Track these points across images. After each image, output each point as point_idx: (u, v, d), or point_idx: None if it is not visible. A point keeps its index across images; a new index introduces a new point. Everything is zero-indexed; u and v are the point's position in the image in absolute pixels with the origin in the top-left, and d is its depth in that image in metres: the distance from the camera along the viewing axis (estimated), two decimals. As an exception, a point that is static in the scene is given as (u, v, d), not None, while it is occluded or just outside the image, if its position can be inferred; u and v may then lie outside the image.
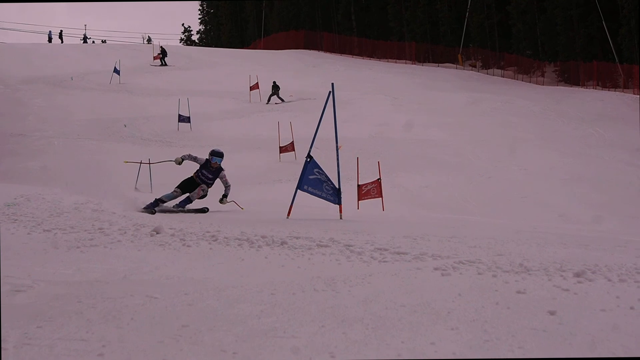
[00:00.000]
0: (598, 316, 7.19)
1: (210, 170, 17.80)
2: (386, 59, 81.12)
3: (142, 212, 15.82)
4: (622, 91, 62.52)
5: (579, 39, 69.51)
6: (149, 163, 24.02)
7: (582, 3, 68.71)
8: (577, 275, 8.92)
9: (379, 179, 23.93)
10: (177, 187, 17.65)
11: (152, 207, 16.45)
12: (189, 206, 17.37)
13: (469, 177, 33.09)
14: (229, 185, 17.86)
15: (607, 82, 65.83)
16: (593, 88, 65.19)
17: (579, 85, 66.72)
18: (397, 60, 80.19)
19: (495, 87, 64.19)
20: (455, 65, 76.35)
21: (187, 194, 17.51)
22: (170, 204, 17.26)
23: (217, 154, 17.99)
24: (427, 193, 29.59)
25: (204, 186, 17.63)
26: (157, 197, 17.23)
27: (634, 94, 60.76)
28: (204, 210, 17.08)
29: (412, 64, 78.79)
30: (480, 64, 76.68)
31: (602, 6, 66.88)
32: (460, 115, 48.34)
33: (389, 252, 10.54)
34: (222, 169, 17.89)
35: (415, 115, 47.23)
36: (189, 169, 18.20)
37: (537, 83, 69.49)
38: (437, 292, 8.09)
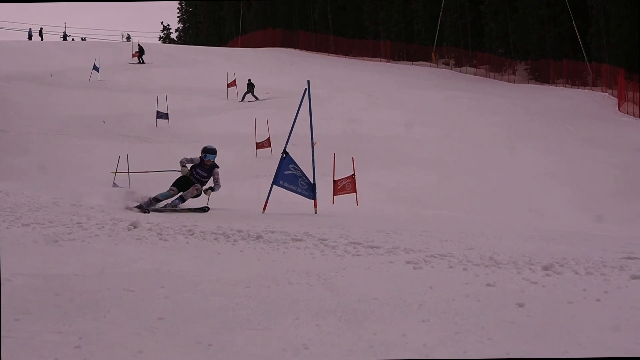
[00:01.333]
0: (565, 308, 7.23)
1: (204, 168, 17.13)
2: (362, 57, 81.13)
3: (135, 210, 15.35)
4: (591, 89, 62.85)
5: (550, 38, 69.76)
6: (140, 172, 23.53)
7: (553, 3, 68.95)
8: (546, 268, 8.96)
9: (353, 174, 23.97)
10: (173, 185, 17.00)
11: (147, 206, 15.90)
12: (184, 205, 16.76)
13: (442, 173, 33.19)
14: (220, 186, 17.16)
15: (576, 80, 66.13)
16: (563, 86, 65.46)
17: (549, 83, 66.97)
18: (373, 59, 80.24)
19: (468, 85, 64.39)
20: (429, 64, 76.46)
21: (181, 193, 16.88)
22: (163, 203, 16.65)
23: (210, 151, 17.29)
24: (401, 188, 29.64)
25: (197, 185, 17.00)
26: (152, 196, 16.55)
27: (602, 92, 61.08)
28: (204, 210, 16.37)
29: (387, 62, 78.88)
30: (454, 62, 76.81)
31: (572, 6, 67.14)
32: (434, 113, 48.44)
33: (363, 246, 10.55)
34: (215, 166, 17.22)
35: (390, 113, 47.31)
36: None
37: (508, 81, 69.72)
38: (409, 285, 8.11)
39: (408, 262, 9.35)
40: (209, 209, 16.30)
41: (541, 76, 68.96)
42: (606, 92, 60.70)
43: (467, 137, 41.72)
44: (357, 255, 10.04)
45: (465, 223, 16.43)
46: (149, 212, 15.42)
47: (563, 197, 30.18)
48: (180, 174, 17.08)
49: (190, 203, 16.77)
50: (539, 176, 33.81)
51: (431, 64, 76.38)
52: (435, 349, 5.85)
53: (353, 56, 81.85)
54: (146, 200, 16.22)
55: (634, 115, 53.21)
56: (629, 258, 9.87)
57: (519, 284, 8.17)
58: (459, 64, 76.05)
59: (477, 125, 45.02)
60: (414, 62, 77.49)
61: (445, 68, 75.42)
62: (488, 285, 8.08)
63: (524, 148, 39.40)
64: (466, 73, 73.47)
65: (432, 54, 77.19)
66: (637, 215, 27.25)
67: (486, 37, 75.12)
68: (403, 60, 79.23)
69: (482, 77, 71.54)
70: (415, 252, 10.15)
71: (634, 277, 8.61)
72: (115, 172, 19.40)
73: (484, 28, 75.32)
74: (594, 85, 63.94)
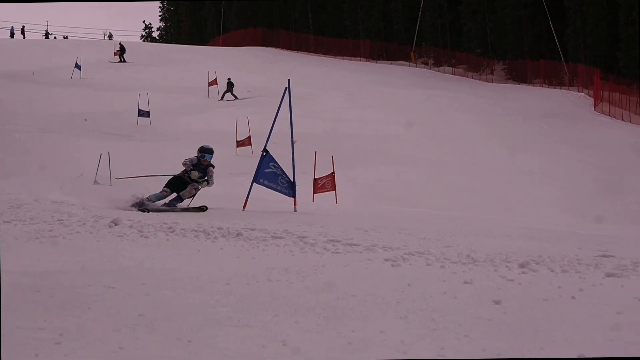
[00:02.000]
0: (541, 306, 7.26)
1: (200, 168, 16.83)
2: (341, 56, 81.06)
3: (132, 210, 15.13)
4: (568, 89, 63.08)
5: (527, 39, 69.96)
6: (146, 176, 23.02)
7: (531, 4, 69.13)
8: (522, 266, 8.99)
9: (333, 172, 23.98)
10: (166, 186, 16.70)
11: (140, 207, 15.62)
12: (182, 205, 16.54)
13: (421, 171, 33.24)
14: (212, 184, 16.96)
15: (553, 80, 66.36)
16: (540, 86, 65.66)
17: (527, 83, 67.12)
18: (352, 58, 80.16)
19: (447, 84, 64.44)
20: (408, 63, 76.47)
21: (176, 194, 16.62)
22: (159, 203, 16.35)
23: (207, 151, 16.96)
24: (380, 187, 29.67)
25: (196, 185, 16.74)
26: (145, 197, 16.21)
27: (578, 91, 61.31)
28: (202, 209, 16.12)
29: (367, 61, 78.85)
30: (432, 62, 76.88)
31: (549, 7, 67.35)
32: (413, 111, 48.46)
33: (341, 244, 10.56)
34: (211, 165, 16.94)
35: (369, 112, 47.33)
36: (176, 167, 17.57)
37: (486, 81, 69.82)
38: (387, 282, 8.13)
39: (386, 260, 9.37)
40: (207, 208, 16.11)
41: (518, 76, 69.12)
42: (582, 92, 60.94)
43: (446, 136, 41.79)
44: (336, 252, 10.05)
45: (443, 221, 16.46)
46: (148, 212, 15.25)
47: (540, 196, 30.30)
48: (171, 175, 16.91)
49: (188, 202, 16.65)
50: (516, 174, 33.92)
51: (410, 63, 76.38)
52: (413, 346, 5.86)
53: (333, 55, 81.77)
54: (138, 200, 15.95)
55: (609, 115, 53.51)
56: (604, 256, 9.91)
57: (496, 282, 8.20)
58: (437, 64, 76.11)
59: (456, 124, 45.09)
60: (393, 62, 77.47)
61: (424, 67, 75.43)
62: (465, 282, 8.10)
63: (502, 147, 39.51)
64: (445, 72, 73.54)
65: (411, 53, 77.23)
66: (612, 213, 27.39)
67: (465, 37, 75.21)
68: (382, 59, 79.21)
69: (460, 77, 71.61)
70: (393, 249, 10.16)
71: (609, 275, 8.66)
72: (119, 178, 18.88)
73: (463, 28, 75.38)
74: (570, 85, 64.18)
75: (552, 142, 41.60)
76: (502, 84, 67.64)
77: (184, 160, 16.91)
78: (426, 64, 76.52)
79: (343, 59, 79.92)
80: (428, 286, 7.89)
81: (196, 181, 16.70)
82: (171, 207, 16.26)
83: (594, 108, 55.91)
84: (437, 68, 75.18)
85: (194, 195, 16.72)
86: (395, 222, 14.71)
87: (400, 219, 16.58)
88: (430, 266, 9.07)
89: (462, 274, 8.53)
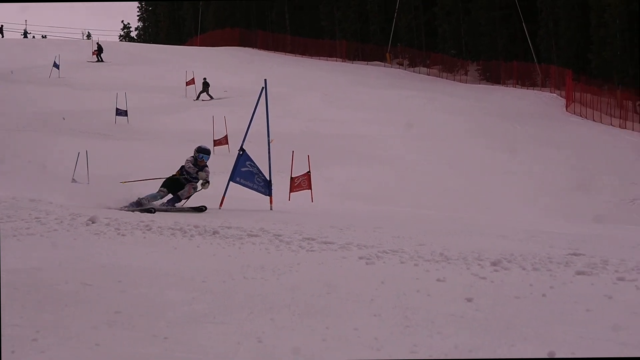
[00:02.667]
0: (512, 303, 7.29)
1: (197, 167, 16.51)
2: (318, 56, 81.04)
3: (132, 210, 14.92)
4: (540, 90, 63.27)
5: (501, 40, 70.18)
6: (149, 179, 22.46)
7: (504, 5, 69.36)
8: (494, 264, 9.03)
9: (309, 171, 24.00)
10: (162, 186, 16.42)
11: (136, 207, 15.42)
12: (180, 204, 16.29)
13: (397, 171, 33.32)
14: (208, 182, 16.55)
15: (526, 81, 66.55)
16: (513, 86, 65.81)
17: (500, 83, 67.28)
18: (329, 58, 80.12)
19: (422, 85, 64.51)
20: (383, 64, 76.50)
21: (172, 194, 16.32)
22: (156, 203, 16.04)
23: (204, 151, 16.69)
24: (355, 185, 29.73)
25: (194, 184, 16.46)
26: (141, 197, 15.92)
27: (550, 92, 61.54)
28: (201, 209, 15.90)
29: (343, 61, 78.84)
30: (408, 62, 76.95)
31: (522, 9, 67.61)
32: (388, 111, 48.52)
33: (317, 242, 10.56)
34: (207, 166, 16.64)
35: (345, 111, 47.36)
36: (172, 168, 17.37)
37: (460, 81, 69.92)
38: (361, 280, 8.15)
39: (361, 258, 9.38)
40: (206, 208, 15.93)
41: (492, 77, 69.28)
42: (554, 92, 61.16)
43: (421, 136, 41.86)
44: (311, 250, 10.06)
45: (417, 220, 16.50)
46: (154, 212, 15.09)
47: (514, 194, 30.43)
48: (167, 175, 16.65)
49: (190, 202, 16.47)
50: (490, 174, 34.04)
51: (386, 64, 76.40)
52: (386, 343, 5.88)
53: (310, 56, 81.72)
54: (134, 201, 15.77)
55: (581, 116, 53.77)
56: (575, 254, 9.96)
57: (468, 279, 8.23)
58: (412, 64, 76.16)
59: (431, 124, 45.16)
60: (369, 62, 77.47)
61: (399, 68, 75.45)
62: (438, 280, 8.12)
63: (477, 146, 39.65)
64: (419, 73, 73.59)
65: (387, 54, 77.27)
66: (584, 212, 27.53)
67: (439, 38, 75.31)
68: (358, 60, 79.21)
69: (435, 77, 71.67)
70: (367, 248, 10.18)
71: (579, 273, 8.70)
72: (125, 182, 18.44)
73: (438, 29, 75.50)
74: (542, 86, 64.40)
75: (525, 142, 41.74)
76: (476, 85, 67.77)
77: (186, 162, 16.56)
78: (401, 64, 76.54)
79: (319, 59, 79.88)
80: (401, 284, 7.91)
81: (207, 181, 16.49)
82: (169, 206, 16.05)
83: (566, 108, 56.16)
84: (412, 68, 75.23)
85: (190, 196, 16.51)
86: (370, 221, 14.73)
87: (374, 217, 16.60)
88: (404, 264, 9.09)
89: (435, 272, 8.56)
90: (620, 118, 52.88)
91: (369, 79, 64.90)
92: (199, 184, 16.55)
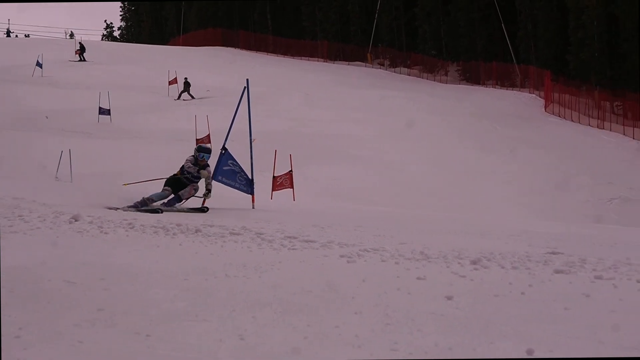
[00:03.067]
0: (492, 301, 7.31)
1: (198, 167, 16.28)
2: (300, 56, 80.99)
3: (137, 210, 14.76)
4: (519, 90, 63.43)
5: (480, 41, 70.33)
6: (151, 180, 22.01)
7: (483, 7, 69.54)
8: (474, 262, 9.05)
9: (291, 171, 23.99)
10: (167, 185, 16.12)
11: (141, 206, 15.26)
12: (179, 205, 16.06)
13: (377, 170, 33.34)
14: (211, 182, 16.42)
15: (505, 81, 66.71)
16: (492, 87, 65.96)
17: (480, 84, 67.42)
18: (310, 58, 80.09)
19: (402, 85, 64.57)
20: (364, 64, 76.53)
21: (173, 194, 16.08)
22: (159, 203, 15.85)
23: (205, 150, 16.56)
24: (337, 185, 29.73)
25: (196, 185, 16.29)
26: (146, 197, 15.65)
27: (529, 93, 61.70)
28: (203, 210, 15.75)
29: (324, 61, 78.82)
30: (388, 63, 76.98)
31: (502, 10, 67.80)
32: (369, 111, 48.56)
33: (298, 240, 10.56)
34: (208, 165, 16.46)
35: (326, 111, 47.35)
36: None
37: (440, 82, 70.02)
38: (342, 278, 8.15)
39: (342, 256, 9.38)
40: (207, 209, 15.83)
41: (472, 77, 69.42)
42: (533, 93, 61.31)
43: (402, 136, 41.90)
44: (293, 249, 10.05)
45: (398, 218, 16.53)
46: (162, 212, 14.96)
47: (493, 193, 30.51)
48: (169, 175, 16.42)
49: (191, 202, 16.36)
50: (471, 173, 34.13)
51: (367, 64, 76.44)
52: (367, 340, 5.88)
53: (291, 56, 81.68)
54: (139, 200, 15.57)
55: (559, 116, 53.97)
56: (553, 253, 10.01)
57: (448, 278, 8.24)
58: (393, 65, 76.19)
59: (410, 124, 45.19)
60: (350, 62, 77.46)
61: (380, 68, 75.51)
62: (418, 278, 8.13)
63: (457, 146, 39.73)
64: (400, 73, 73.62)
65: (368, 54, 77.30)
66: (562, 211, 27.64)
67: (420, 38, 75.40)
68: (340, 60, 79.21)
69: (415, 77, 71.74)
70: (349, 246, 10.18)
71: (557, 272, 8.73)
72: (126, 184, 18.19)
73: (418, 30, 75.60)
74: (522, 86, 64.57)
75: (504, 142, 41.86)
76: (456, 85, 67.90)
77: (186, 162, 16.35)
78: (382, 64, 76.60)
79: (301, 59, 79.85)
80: (382, 282, 7.91)
81: (208, 190, 16.26)
82: (170, 206, 15.85)
83: (545, 109, 56.37)
84: (393, 69, 75.26)
85: (190, 197, 16.34)
86: (351, 220, 14.75)
87: (356, 216, 16.62)
88: (384, 262, 9.10)
89: (416, 270, 8.57)
90: (598, 119, 53.12)
91: (350, 79, 64.92)
92: (200, 185, 16.37)
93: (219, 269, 8.38)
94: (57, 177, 24.09)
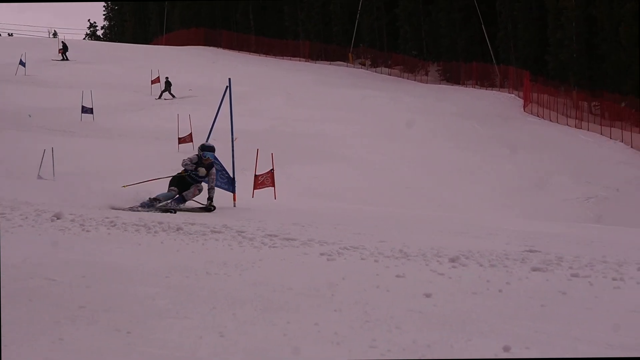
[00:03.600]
0: (470, 298, 7.33)
1: (203, 166, 16.08)
2: (282, 56, 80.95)
3: (147, 211, 14.64)
4: (499, 90, 63.61)
5: (461, 42, 70.47)
6: (150, 180, 21.47)
7: (464, 7, 69.67)
8: (452, 260, 9.07)
9: (272, 169, 23.97)
10: (173, 185, 15.98)
11: (148, 206, 15.08)
12: (184, 205, 15.89)
13: (358, 169, 33.37)
14: (214, 187, 16.24)
15: (485, 81, 66.89)
16: (472, 87, 66.11)
17: (460, 84, 67.57)
18: (292, 58, 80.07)
19: (384, 85, 64.60)
20: (346, 64, 76.54)
21: (183, 193, 15.95)
22: (164, 203, 15.60)
23: (208, 148, 16.21)
24: (318, 183, 29.73)
25: (199, 185, 16.09)
26: (152, 197, 15.46)
27: (509, 93, 61.89)
28: (209, 209, 15.59)
29: (306, 61, 78.80)
30: (370, 63, 77.02)
31: (482, 11, 68.01)
32: (350, 111, 48.57)
33: (279, 238, 10.56)
34: (213, 165, 16.29)
35: (308, 110, 47.34)
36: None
37: (421, 81, 70.09)
38: (322, 276, 8.16)
39: (322, 254, 9.39)
40: (214, 208, 15.69)
41: (452, 77, 69.55)
42: (513, 93, 61.52)
43: (383, 135, 41.95)
44: (274, 247, 10.05)
45: (378, 217, 16.54)
46: (175, 212, 14.84)
47: (474, 192, 30.58)
48: (173, 174, 16.34)
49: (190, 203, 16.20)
50: (451, 172, 34.20)
51: (348, 64, 76.47)
52: (346, 338, 5.88)
53: (274, 55, 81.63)
54: (146, 200, 15.42)
55: (538, 116, 54.16)
56: (530, 251, 10.05)
57: (427, 275, 8.26)
58: (374, 65, 76.24)
59: (392, 124, 45.27)
60: (331, 62, 77.48)
61: (361, 68, 75.57)
62: (397, 276, 8.14)
63: (438, 145, 39.83)
64: (381, 73, 73.67)
65: (349, 54, 77.35)
66: (540, 210, 27.73)
67: (401, 39, 75.50)
68: (321, 60, 79.22)
69: (396, 77, 71.78)
70: (329, 244, 10.19)
71: (535, 269, 8.77)
72: (126, 185, 17.81)
73: (399, 30, 75.70)
74: (501, 86, 64.75)
75: (484, 141, 41.98)
76: (437, 85, 68.00)
77: (183, 161, 16.24)
78: (364, 64, 76.65)
79: (283, 59, 79.82)
80: (362, 280, 7.92)
81: (212, 187, 16.09)
82: (174, 207, 15.63)
83: (524, 109, 56.57)
84: (374, 69, 75.31)
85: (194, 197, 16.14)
86: (332, 218, 14.76)
87: (336, 215, 16.63)
88: (364, 260, 9.11)
89: (395, 268, 8.58)
90: (576, 118, 53.42)
91: (332, 78, 64.91)
92: (203, 185, 16.17)
93: (200, 266, 8.38)
94: (39, 176, 23.99)
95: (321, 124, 43.40)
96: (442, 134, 43.21)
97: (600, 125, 50.95)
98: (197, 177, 16.12)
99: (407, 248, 9.91)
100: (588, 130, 50.84)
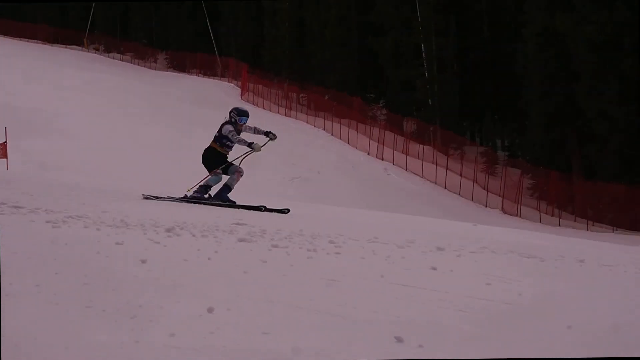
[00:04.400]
0: (182, 265, 7.36)
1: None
2: (19, 37, 77.64)
3: (201, 203, 13.34)
4: (220, 79, 64.42)
5: (187, 34, 70.71)
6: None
7: (191, 5, 69.92)
8: (168, 230, 9.06)
9: (5, 142, 23.12)
10: (218, 169, 13.87)
11: (202, 195, 13.51)
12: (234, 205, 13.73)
13: (84, 144, 32.83)
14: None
15: (208, 71, 67.41)
16: (197, 75, 66.40)
17: (186, 72, 67.70)
18: (30, 40, 76.98)
19: (115, 69, 63.68)
20: (81, 48, 74.69)
21: (225, 182, 13.98)
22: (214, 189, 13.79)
23: (244, 113, 14.02)
24: (49, 157, 28.99)
25: (218, 170, 13.82)
26: (203, 184, 13.73)
27: (229, 82, 62.88)
28: (284, 212, 13.50)
29: (43, 44, 76.02)
30: (103, 48, 75.51)
31: (207, 7, 68.56)
32: (81, 92, 47.49)
33: (7, 206, 10.11)
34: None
35: (44, 89, 45.91)
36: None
37: (150, 68, 69.69)
38: (45, 244, 7.85)
39: (48, 222, 9.09)
40: (289, 210, 13.66)
41: (179, 66, 69.62)
42: (232, 82, 62.56)
43: (110, 115, 41.50)
44: (2, 214, 9.63)
45: (103, 189, 16.23)
46: (235, 204, 13.36)
47: (187, 169, 30.68)
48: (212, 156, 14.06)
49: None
50: (170, 149, 34.36)
51: (83, 48, 74.68)
52: (62, 298, 5.73)
53: (11, 37, 78.13)
54: (198, 189, 13.72)
55: (253, 104, 55.20)
56: (238, 224, 10.20)
57: (144, 244, 8.19)
58: (108, 50, 74.90)
59: (120, 105, 44.83)
60: (67, 46, 75.27)
61: (95, 53, 74.01)
62: (117, 243, 8.01)
63: (158, 125, 39.82)
64: (114, 59, 72.46)
65: (85, 39, 75.55)
66: (249, 187, 28.20)
67: (132, 28, 74.81)
68: (58, 43, 76.73)
69: (127, 63, 70.95)
70: (55, 212, 9.88)
71: (241, 240, 8.93)
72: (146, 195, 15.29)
73: (131, 21, 74.98)
74: (222, 76, 65.56)
75: (201, 124, 42.21)
76: (164, 72, 67.86)
77: (230, 132, 13.83)
78: (97, 49, 75.13)
79: (21, 40, 76.63)
80: (82, 247, 7.75)
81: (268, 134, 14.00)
82: (224, 199, 13.72)
83: (241, 97, 57.62)
84: (108, 54, 73.97)
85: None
86: (60, 189, 14.33)
87: (65, 186, 16.17)
88: (87, 229, 8.91)
89: (115, 236, 8.44)
90: (286, 107, 55.11)
91: (67, 61, 63.12)
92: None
93: None
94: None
95: (53, 102, 42.26)
96: (164, 116, 43.39)
97: (306, 114, 52.76)
98: (231, 143, 14.04)
99: (128, 218, 9.80)
100: (296, 118, 52.48)
